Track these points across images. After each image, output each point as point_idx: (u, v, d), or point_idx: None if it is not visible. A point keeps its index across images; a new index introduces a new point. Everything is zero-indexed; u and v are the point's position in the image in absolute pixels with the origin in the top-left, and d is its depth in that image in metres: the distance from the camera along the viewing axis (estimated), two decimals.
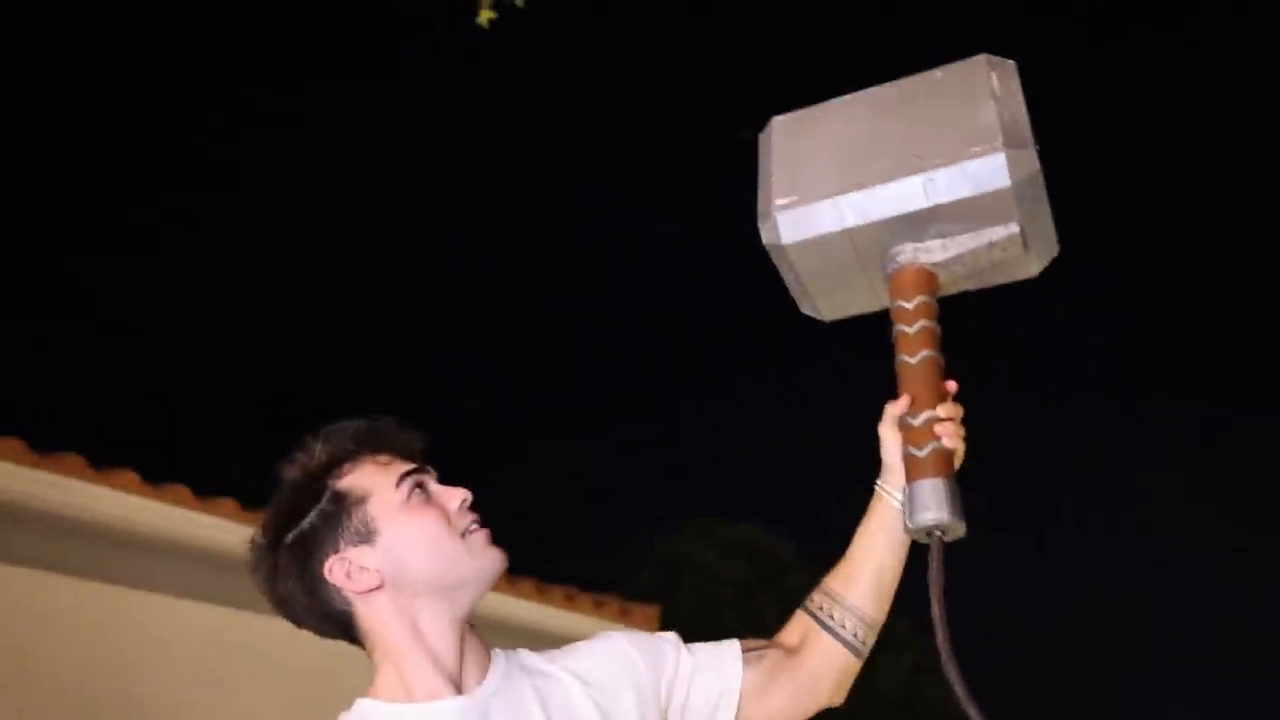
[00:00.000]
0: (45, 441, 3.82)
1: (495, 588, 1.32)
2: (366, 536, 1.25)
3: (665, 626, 6.14)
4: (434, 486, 1.30)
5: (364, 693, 1.27)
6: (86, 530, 3.91)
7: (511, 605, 5.01)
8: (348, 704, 1.27)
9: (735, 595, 11.11)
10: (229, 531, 4.24)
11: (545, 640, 1.40)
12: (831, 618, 1.38)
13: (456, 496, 1.29)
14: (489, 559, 1.27)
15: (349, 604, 1.26)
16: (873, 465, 1.39)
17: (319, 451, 1.29)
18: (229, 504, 4.25)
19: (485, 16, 3.37)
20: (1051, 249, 1.35)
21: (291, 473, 1.30)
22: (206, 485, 4.21)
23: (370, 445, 1.30)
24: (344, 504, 1.26)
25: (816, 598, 1.40)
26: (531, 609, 5.12)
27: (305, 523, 1.27)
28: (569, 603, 5.41)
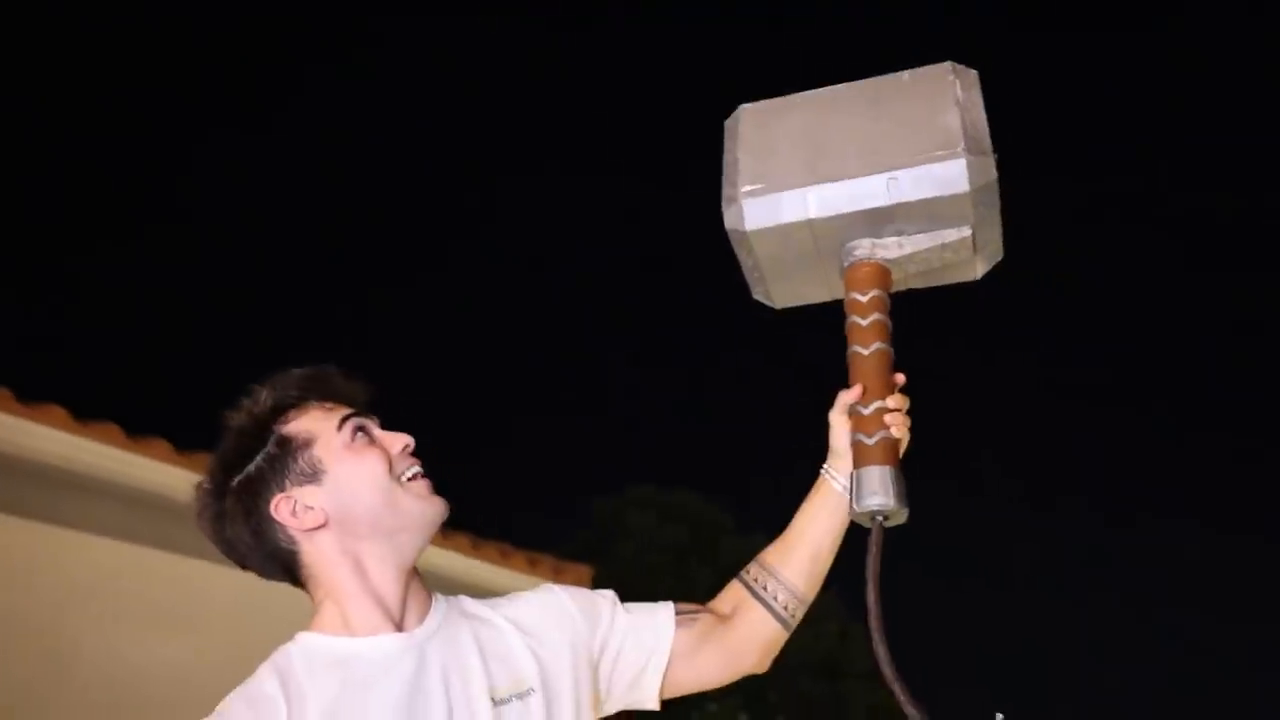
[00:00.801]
0: None
1: (430, 541, 1.33)
2: (313, 476, 1.28)
3: (598, 587, 6.19)
4: (377, 431, 1.32)
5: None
6: (14, 467, 3.83)
7: (446, 559, 5.02)
8: (278, 648, 1.28)
9: (670, 560, 11.21)
10: (161, 472, 4.18)
11: (478, 595, 1.42)
12: (765, 589, 1.43)
13: (399, 441, 1.31)
14: (430, 505, 1.30)
15: (294, 543, 1.29)
16: (812, 440, 1.44)
17: (265, 398, 1.32)
18: (161, 445, 4.19)
19: None
20: (997, 254, 1.41)
21: (238, 419, 1.32)
22: (138, 425, 4.15)
23: (316, 392, 1.33)
24: (290, 447, 1.29)
25: (753, 570, 1.46)
26: (465, 563, 5.14)
27: (252, 466, 1.29)
28: (503, 559, 5.43)
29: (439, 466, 1.36)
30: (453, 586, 1.48)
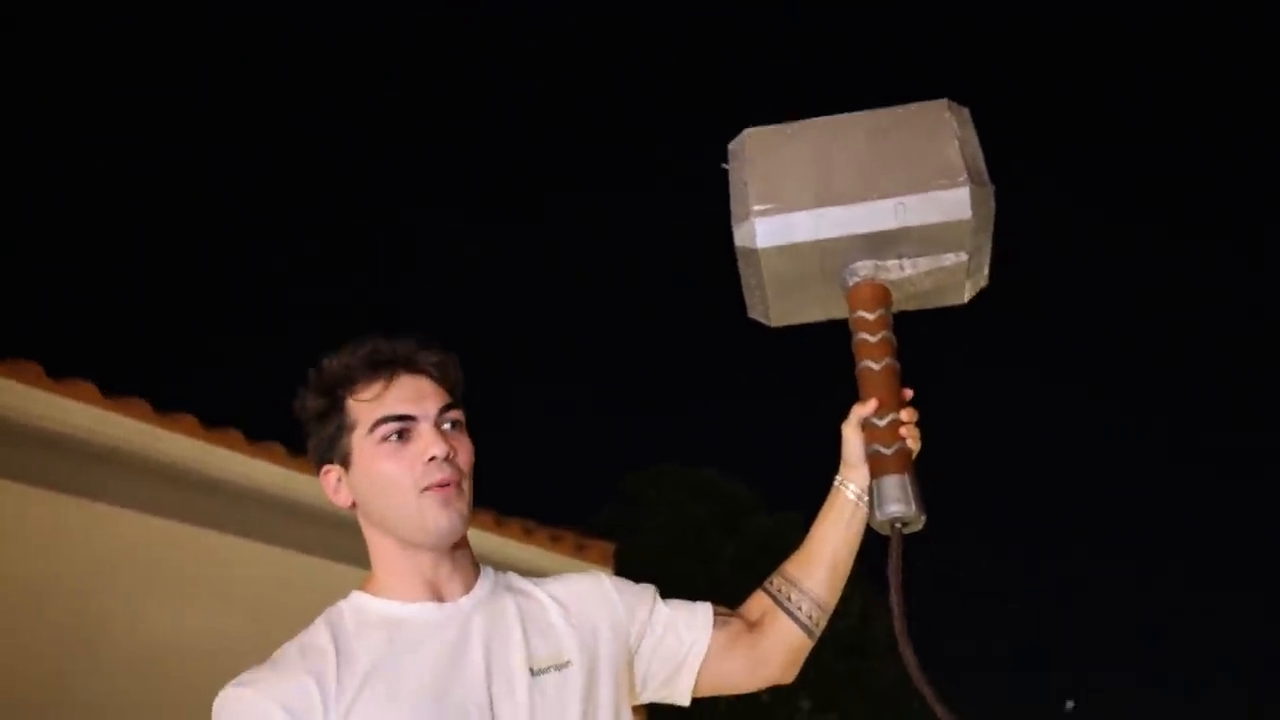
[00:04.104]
0: (2, 349, 3.77)
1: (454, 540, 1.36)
2: (345, 461, 1.35)
3: (621, 564, 6.23)
4: (419, 431, 1.34)
5: (330, 604, 1.36)
6: (44, 440, 3.87)
7: (469, 534, 5.04)
8: (305, 622, 1.33)
9: (693, 537, 11.23)
10: (188, 447, 4.22)
11: (501, 570, 1.44)
12: (789, 600, 1.49)
13: (427, 452, 1.33)
14: (434, 521, 1.32)
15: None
16: (831, 420, 1.48)
17: (341, 363, 1.36)
18: (189, 420, 4.23)
19: None
20: (983, 281, 1.50)
21: (317, 378, 1.37)
22: (166, 400, 4.19)
23: (388, 368, 1.35)
24: (343, 424, 1.34)
25: (776, 581, 1.51)
26: (489, 539, 5.16)
27: (313, 425, 1.36)
28: (526, 535, 5.45)
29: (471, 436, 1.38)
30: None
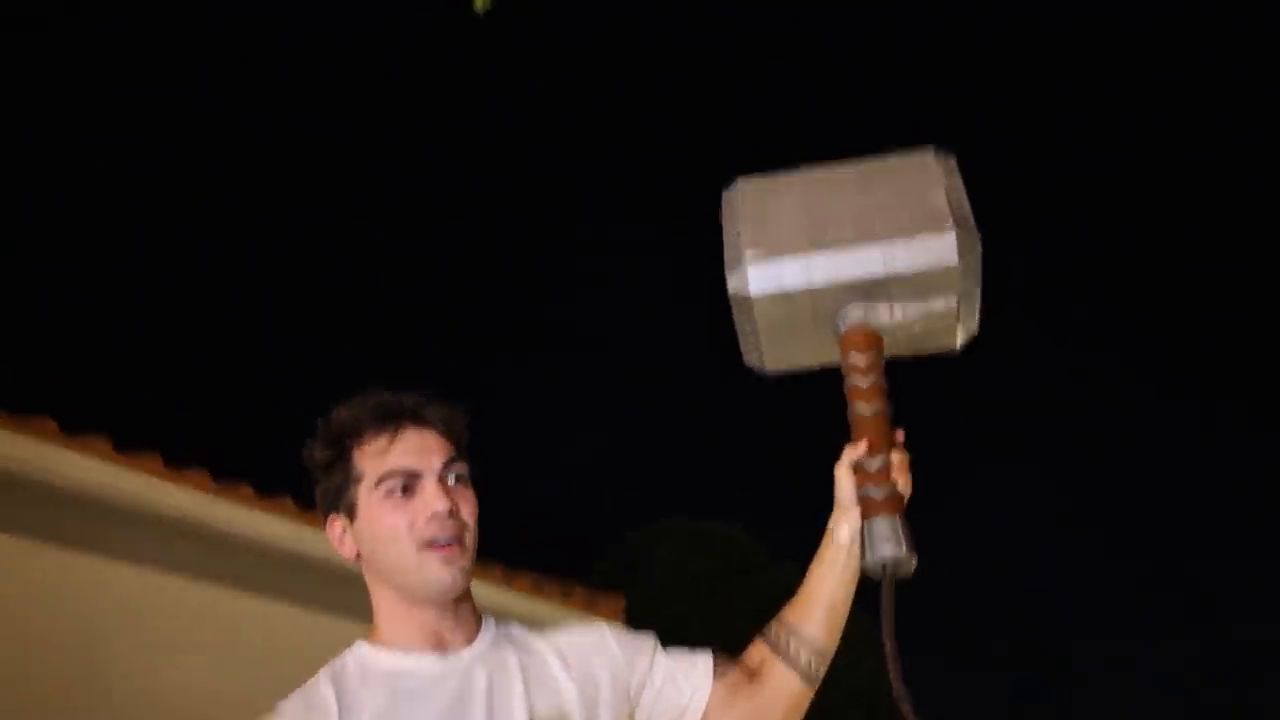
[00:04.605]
0: (17, 404, 3.79)
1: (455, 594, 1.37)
2: (350, 514, 1.37)
3: (630, 617, 6.18)
4: (423, 485, 1.35)
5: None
6: (54, 495, 3.89)
7: (479, 589, 5.02)
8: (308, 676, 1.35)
9: (702, 591, 11.15)
10: (200, 502, 4.23)
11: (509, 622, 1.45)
12: (788, 647, 1.48)
13: (429, 508, 1.34)
14: (435, 576, 1.34)
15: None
16: (835, 457, 1.49)
17: (350, 414, 1.38)
18: (201, 475, 4.24)
19: (481, 3, 3.37)
20: (974, 327, 1.52)
21: (326, 427, 1.39)
22: (179, 455, 4.20)
23: (394, 421, 1.37)
24: (348, 475, 1.36)
25: (774, 628, 1.50)
26: (499, 594, 5.14)
27: (320, 475, 1.39)
28: (536, 589, 5.42)
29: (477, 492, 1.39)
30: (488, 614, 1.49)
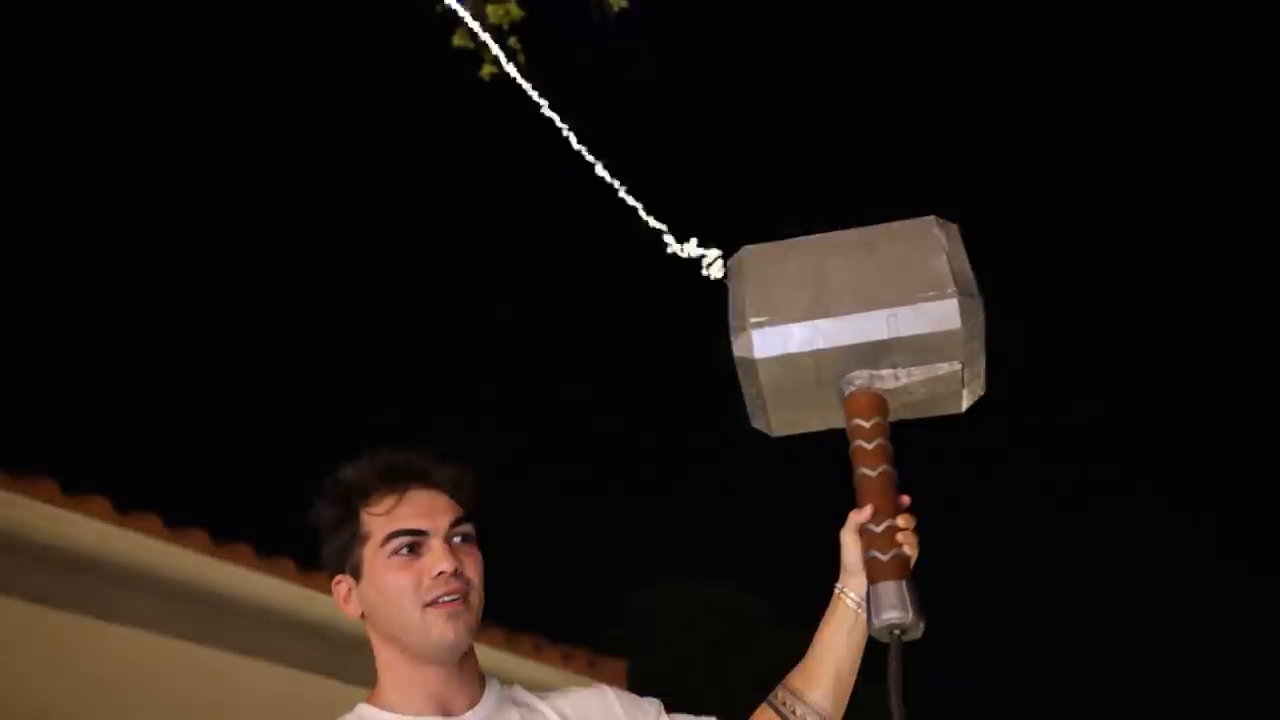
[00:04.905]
0: (16, 464, 3.79)
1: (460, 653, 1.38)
2: (356, 573, 1.38)
3: (633, 682, 6.12)
4: (429, 545, 1.36)
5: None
6: (53, 557, 3.86)
7: (480, 652, 4.96)
8: None
9: (705, 656, 11.03)
10: (198, 564, 4.20)
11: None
12: (794, 714, 1.47)
13: (435, 568, 1.35)
14: (438, 636, 1.34)
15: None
16: (841, 520, 1.49)
17: (356, 473, 1.39)
18: (200, 535, 4.22)
19: (487, 71, 3.44)
20: (980, 390, 1.53)
21: (345, 474, 1.40)
22: (178, 515, 4.18)
23: (401, 480, 1.38)
24: (355, 535, 1.37)
25: (780, 694, 1.49)
26: (499, 657, 5.08)
27: (327, 534, 1.39)
28: (537, 653, 5.37)
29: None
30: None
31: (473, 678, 1.40)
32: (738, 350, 1.48)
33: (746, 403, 1.53)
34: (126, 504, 4.03)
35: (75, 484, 3.90)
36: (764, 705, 1.49)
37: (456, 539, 1.37)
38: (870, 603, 1.40)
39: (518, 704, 1.41)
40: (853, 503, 1.47)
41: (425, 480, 1.39)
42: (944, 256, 1.47)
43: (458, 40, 3.50)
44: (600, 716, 1.42)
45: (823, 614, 1.49)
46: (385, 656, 1.38)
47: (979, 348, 1.47)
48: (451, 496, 1.40)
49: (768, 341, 1.46)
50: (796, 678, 1.48)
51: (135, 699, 3.97)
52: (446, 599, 1.34)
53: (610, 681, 1.68)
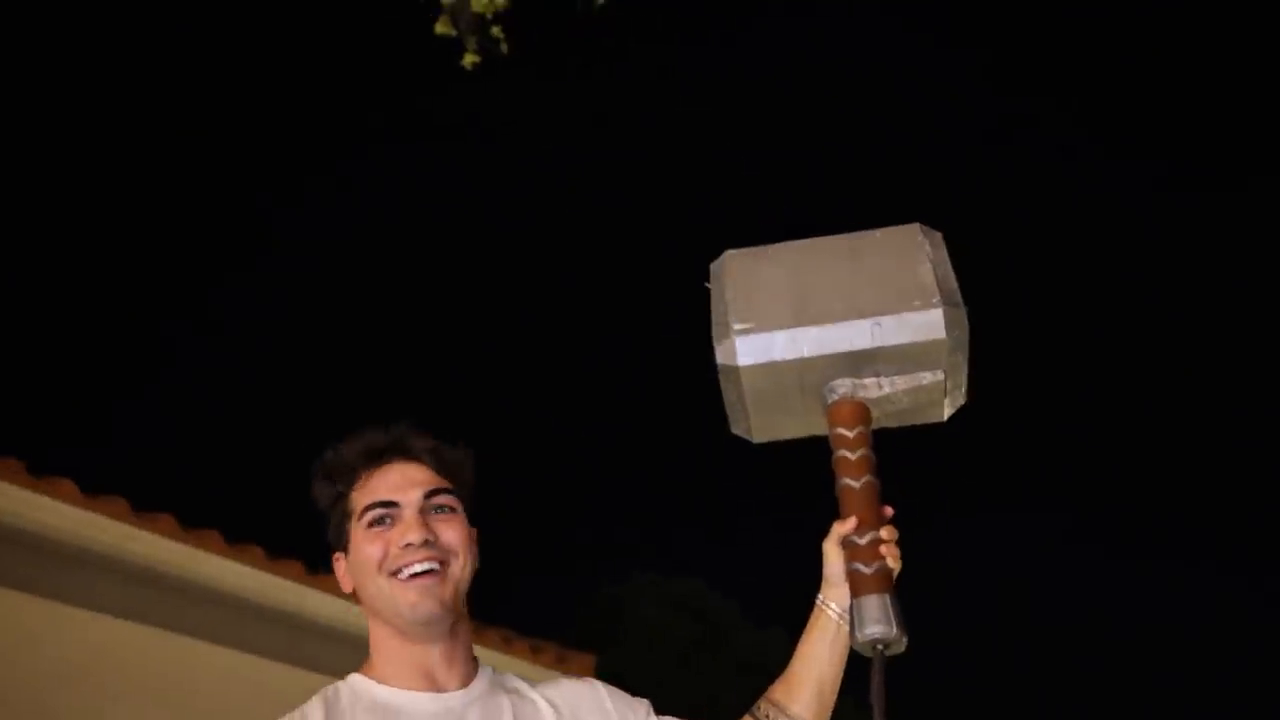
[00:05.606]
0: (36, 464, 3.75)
1: (442, 631, 1.37)
2: (344, 548, 1.41)
3: (602, 677, 6.09)
4: (401, 516, 1.38)
5: None
6: (19, 540, 3.82)
7: None
8: None
9: (676, 652, 11.03)
10: (166, 549, 4.16)
11: None
12: None
13: (403, 538, 1.36)
14: (408, 608, 1.35)
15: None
16: (820, 529, 1.47)
17: (341, 455, 1.42)
18: (167, 519, 4.18)
19: (470, 60, 3.42)
20: (962, 399, 1.52)
21: (332, 454, 1.42)
22: (146, 498, 4.14)
23: (381, 457, 1.40)
24: (345, 511, 1.40)
25: (763, 706, 1.48)
26: None
27: (328, 514, 1.42)
28: (506, 645, 5.35)
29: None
30: None
31: (465, 657, 1.40)
32: (720, 357, 1.46)
33: (727, 408, 1.52)
34: (93, 486, 3.98)
35: (43, 466, 3.86)
36: (746, 717, 1.48)
37: (433, 509, 1.38)
38: (854, 617, 1.38)
39: (508, 690, 1.42)
40: (825, 506, 1.45)
41: (404, 453, 1.41)
42: (929, 265, 1.46)
43: (440, 28, 3.48)
44: (590, 709, 1.43)
45: (794, 617, 1.48)
46: (375, 630, 1.39)
47: (962, 358, 1.46)
48: (432, 468, 1.41)
49: (751, 348, 1.44)
50: (778, 690, 1.47)
51: (95, 683, 3.92)
52: (415, 570, 1.34)
53: (580, 673, 1.68)
